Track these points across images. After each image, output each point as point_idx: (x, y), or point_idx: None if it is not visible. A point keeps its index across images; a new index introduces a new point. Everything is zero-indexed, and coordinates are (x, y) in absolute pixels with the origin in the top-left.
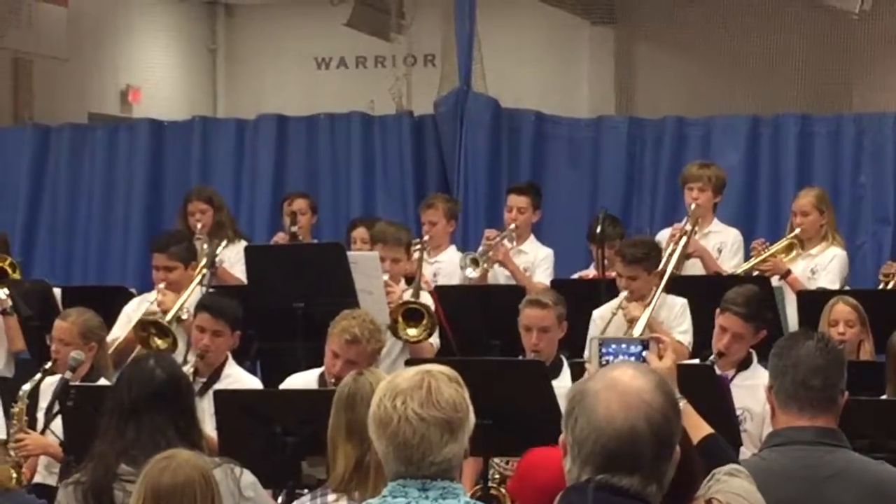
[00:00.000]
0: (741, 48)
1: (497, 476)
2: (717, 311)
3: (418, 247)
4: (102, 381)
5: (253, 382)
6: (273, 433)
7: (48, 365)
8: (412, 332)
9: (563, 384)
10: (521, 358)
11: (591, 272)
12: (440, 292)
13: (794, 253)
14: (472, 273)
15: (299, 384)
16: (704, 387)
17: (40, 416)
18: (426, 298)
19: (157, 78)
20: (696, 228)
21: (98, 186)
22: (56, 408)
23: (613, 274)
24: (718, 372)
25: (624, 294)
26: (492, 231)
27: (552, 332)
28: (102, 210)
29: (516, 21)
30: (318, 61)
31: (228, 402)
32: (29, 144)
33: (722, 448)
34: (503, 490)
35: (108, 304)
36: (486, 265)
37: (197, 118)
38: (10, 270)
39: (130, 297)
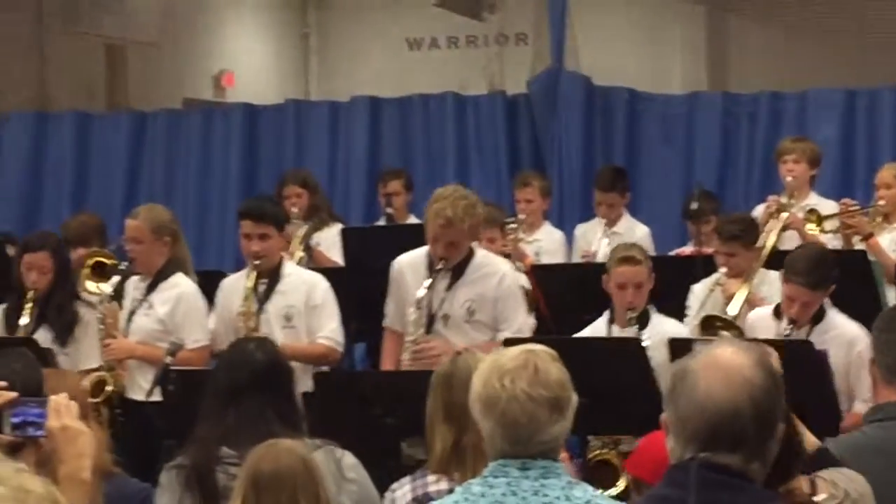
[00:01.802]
0: (834, 19)
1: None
2: (781, 278)
3: (513, 225)
4: (179, 276)
5: (314, 277)
6: (373, 415)
7: (124, 265)
8: None
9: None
10: (615, 336)
11: (688, 249)
12: (537, 271)
13: (878, 220)
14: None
15: (408, 261)
16: (802, 367)
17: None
18: (521, 277)
19: (250, 62)
20: (794, 201)
21: (194, 171)
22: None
23: (710, 250)
24: (788, 333)
25: (722, 270)
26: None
27: (645, 287)
28: (198, 195)
29: None
30: (409, 42)
31: (328, 384)
32: (125, 131)
33: (832, 461)
34: (614, 452)
35: (207, 288)
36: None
37: (290, 101)
38: (107, 262)
39: None
